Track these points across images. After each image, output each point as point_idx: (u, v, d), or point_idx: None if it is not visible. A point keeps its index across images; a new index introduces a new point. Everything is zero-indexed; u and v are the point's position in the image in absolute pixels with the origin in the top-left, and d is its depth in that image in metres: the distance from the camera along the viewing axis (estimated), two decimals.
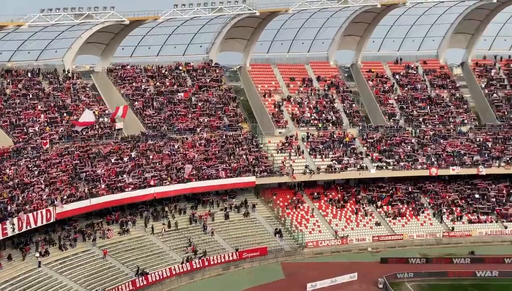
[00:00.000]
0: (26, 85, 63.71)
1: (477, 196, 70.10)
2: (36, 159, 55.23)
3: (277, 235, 62.20)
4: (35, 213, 48.99)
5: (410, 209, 68.15)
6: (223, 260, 56.97)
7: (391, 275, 54.18)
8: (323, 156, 68.30)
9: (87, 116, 60.58)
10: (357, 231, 64.95)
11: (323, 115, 72.58)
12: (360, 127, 72.33)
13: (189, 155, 63.25)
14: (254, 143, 68.02)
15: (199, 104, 69.52)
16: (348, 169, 67.54)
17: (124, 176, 58.14)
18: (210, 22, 70.31)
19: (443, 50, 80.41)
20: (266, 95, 73.03)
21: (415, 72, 79.04)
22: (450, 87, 78.10)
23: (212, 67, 73.58)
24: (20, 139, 57.36)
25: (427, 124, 73.81)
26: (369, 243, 63.89)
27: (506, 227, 66.93)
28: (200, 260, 55.86)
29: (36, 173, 53.74)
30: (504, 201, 69.65)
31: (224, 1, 66.96)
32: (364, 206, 67.75)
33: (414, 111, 74.77)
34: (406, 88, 77.02)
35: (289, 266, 58.27)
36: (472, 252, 61.87)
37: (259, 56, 76.49)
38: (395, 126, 73.05)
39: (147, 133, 64.47)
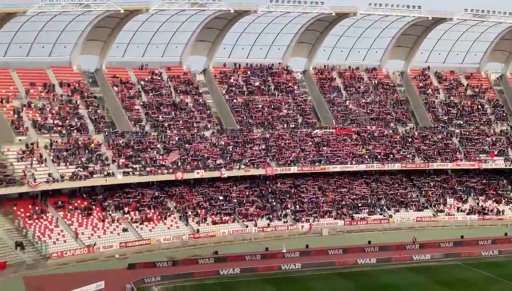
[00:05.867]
0: None
1: (220, 197, 73.49)
2: None
3: (18, 248, 59.05)
4: None
5: (157, 213, 69.20)
6: None
7: (139, 280, 54.49)
8: (68, 163, 66.46)
9: None
10: (104, 238, 64.24)
11: (67, 121, 70.60)
12: (106, 133, 71.70)
13: None
14: None
15: None
16: (94, 175, 66.55)
17: None
18: None
19: (186, 57, 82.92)
20: (4, 101, 68.92)
21: (159, 78, 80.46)
22: (193, 93, 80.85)
23: None
24: None
25: (173, 129, 75.58)
26: (116, 250, 63.54)
27: (247, 226, 71.09)
28: None
29: None
30: (244, 201, 73.95)
31: None
32: (111, 213, 67.26)
33: (160, 116, 76.08)
34: (151, 94, 78.08)
35: (31, 279, 55.60)
36: (216, 251, 64.67)
37: None
38: (141, 132, 73.65)
39: None
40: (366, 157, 79.60)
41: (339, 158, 78.43)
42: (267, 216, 72.96)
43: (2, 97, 69.08)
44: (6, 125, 67.35)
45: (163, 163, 70.58)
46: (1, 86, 70.26)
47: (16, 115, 68.37)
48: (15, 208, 63.52)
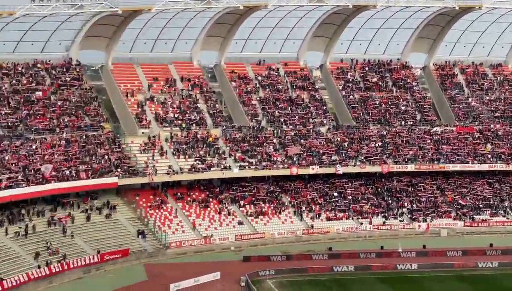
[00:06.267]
0: None
1: (335, 194, 73.06)
2: None
3: (140, 236, 61.58)
4: None
5: (272, 207, 69.82)
6: (83, 263, 55.57)
7: (253, 273, 55.26)
8: (187, 156, 68.40)
9: None
10: (220, 230, 65.62)
11: (187, 115, 72.63)
12: (224, 128, 73.11)
13: (47, 156, 61.10)
14: (116, 143, 66.86)
15: (59, 103, 67.31)
16: (212, 168, 68.07)
17: None
18: (70, 19, 68.08)
19: (303, 53, 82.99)
20: (129, 95, 71.94)
21: (276, 73, 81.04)
22: (309, 89, 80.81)
23: (72, 65, 71.37)
24: None
25: (288, 124, 75.94)
26: (232, 242, 64.78)
27: (361, 224, 70.28)
28: (59, 263, 54.17)
29: None
30: (359, 198, 73.11)
31: None
32: (227, 206, 68.55)
33: (276, 112, 76.67)
34: (268, 90, 78.79)
35: (152, 267, 57.84)
36: (330, 248, 64.40)
37: (122, 55, 74.81)
38: (258, 127, 74.52)
39: (2, 133, 61.51)
40: (489, 156, 76.43)
41: (460, 157, 75.81)
42: (382, 214, 71.80)
43: (127, 92, 72.11)
44: (130, 118, 70.29)
45: (278, 158, 71.10)
46: (127, 81, 73.31)
47: (139, 109, 71.18)
48: (137, 198, 66.20)
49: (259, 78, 79.70)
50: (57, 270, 53.78)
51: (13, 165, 58.57)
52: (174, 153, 68.42)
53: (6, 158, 58.81)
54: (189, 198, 68.23)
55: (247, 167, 69.60)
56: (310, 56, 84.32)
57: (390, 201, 73.69)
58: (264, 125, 75.07)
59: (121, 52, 74.71)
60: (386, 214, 71.81)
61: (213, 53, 79.57)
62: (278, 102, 77.69)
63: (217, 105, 75.84)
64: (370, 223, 70.37)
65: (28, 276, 51.60)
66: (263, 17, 77.28)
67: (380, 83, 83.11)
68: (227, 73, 78.79)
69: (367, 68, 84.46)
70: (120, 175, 63.36)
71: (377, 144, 75.81)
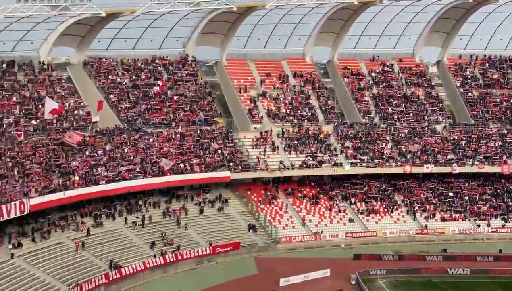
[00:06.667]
0: (0, 76, 62.85)
1: (450, 194, 70.73)
2: (10, 151, 54.63)
3: (251, 230, 62.31)
4: (8, 204, 48.43)
5: (384, 206, 68.58)
6: (196, 254, 56.97)
7: (364, 272, 54.53)
8: (298, 152, 68.46)
9: (51, 104, 59.63)
10: (331, 227, 65.21)
11: (299, 111, 72.66)
12: (335, 124, 72.56)
13: (164, 149, 63.08)
14: (229, 138, 67.97)
15: (175, 98, 69.28)
16: (323, 165, 67.75)
17: (99, 169, 57.78)
18: (187, 16, 69.95)
19: (419, 49, 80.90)
20: (242, 91, 72.94)
21: (390, 70, 79.44)
22: (425, 85, 78.66)
23: (188, 61, 73.28)
24: None
25: (402, 122, 74.27)
26: (342, 240, 64.22)
27: (478, 226, 67.67)
28: (173, 254, 55.80)
29: (10, 164, 53.18)
30: (477, 199, 70.40)
31: None
32: (337, 203, 68.01)
33: (389, 109, 75.18)
34: (382, 86, 77.38)
35: (262, 261, 58.36)
36: (445, 249, 62.49)
37: (236, 51, 76.17)
38: (370, 124, 73.39)
39: (122, 126, 64.13)
40: None
41: None
42: (501, 216, 68.74)
43: (240, 87, 73.12)
44: (243, 114, 71.23)
45: (392, 156, 69.74)
46: (240, 77, 74.38)
47: (252, 104, 71.96)
48: (249, 192, 67.01)
49: (373, 74, 78.46)
50: (172, 260, 55.45)
51: (132, 157, 60.88)
52: (286, 148, 68.66)
53: (125, 150, 61.23)
54: (299, 194, 68.28)
55: (358, 164, 68.72)
56: (427, 52, 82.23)
57: (510, 203, 70.43)
58: (377, 122, 73.84)
59: (235, 48, 75.91)
60: (506, 216, 68.70)
61: (326, 49, 79.18)
62: (392, 99, 76.15)
63: (329, 101, 75.41)
64: (488, 225, 67.59)
65: (144, 264, 53.53)
66: (378, 13, 75.94)
67: (501, 80, 79.62)
68: (340, 69, 78.12)
69: (487, 64, 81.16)
70: (233, 169, 64.35)
71: (497, 144, 72.70)
